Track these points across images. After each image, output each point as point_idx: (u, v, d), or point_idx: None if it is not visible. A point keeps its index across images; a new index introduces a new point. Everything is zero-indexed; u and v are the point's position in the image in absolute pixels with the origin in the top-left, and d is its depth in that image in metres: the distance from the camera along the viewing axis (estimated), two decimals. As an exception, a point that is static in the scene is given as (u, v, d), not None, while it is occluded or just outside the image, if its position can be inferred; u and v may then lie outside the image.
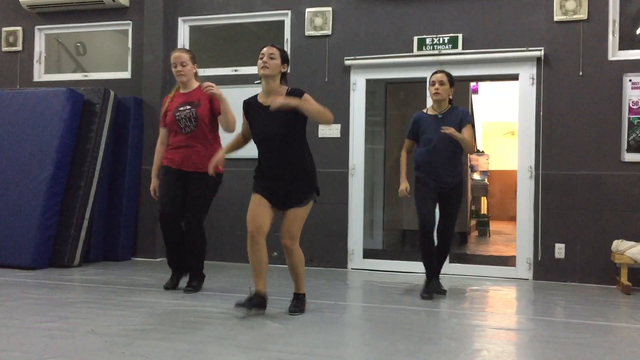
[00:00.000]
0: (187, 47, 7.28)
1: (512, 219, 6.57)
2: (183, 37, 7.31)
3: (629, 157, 5.78)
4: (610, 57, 5.87)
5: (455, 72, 6.37)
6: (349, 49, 6.63)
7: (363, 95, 6.66)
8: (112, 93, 6.87)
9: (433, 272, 5.05)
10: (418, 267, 6.34)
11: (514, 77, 6.29)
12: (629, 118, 5.81)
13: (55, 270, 6.06)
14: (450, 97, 5.04)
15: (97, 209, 6.62)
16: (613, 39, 5.88)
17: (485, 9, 6.24)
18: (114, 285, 5.28)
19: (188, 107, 4.85)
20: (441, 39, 6.36)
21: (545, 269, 5.97)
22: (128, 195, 6.96)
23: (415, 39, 6.42)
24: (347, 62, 6.61)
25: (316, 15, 6.74)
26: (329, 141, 6.65)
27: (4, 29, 7.84)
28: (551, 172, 5.98)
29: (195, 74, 5.01)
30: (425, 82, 6.45)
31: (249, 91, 6.82)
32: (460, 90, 7.85)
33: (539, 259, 6.00)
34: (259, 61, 4.10)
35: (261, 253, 4.04)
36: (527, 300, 5.18)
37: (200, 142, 4.84)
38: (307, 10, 6.76)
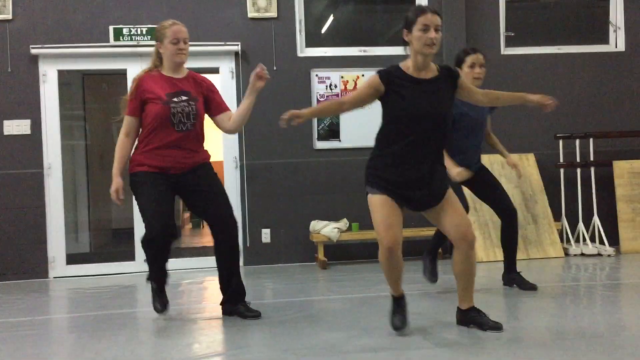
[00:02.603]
0: None
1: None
2: None
3: (320, 144, 6.40)
4: (299, 54, 6.39)
5: (156, 64, 6.27)
6: (36, 37, 5.98)
7: (55, 87, 6.09)
8: None
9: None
10: (129, 267, 6.10)
11: (216, 71, 6.42)
12: (317, 109, 6.40)
13: None
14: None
15: None
16: (300, 37, 6.40)
17: (184, 2, 6.22)
18: None
19: (184, 98, 3.77)
20: (139, 29, 6.15)
21: (254, 254, 6.26)
22: None
23: (111, 28, 6.09)
24: (33, 51, 5.95)
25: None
26: (17, 139, 5.93)
27: None
28: (254, 162, 6.28)
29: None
30: (125, 73, 6.19)
31: None
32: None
33: (248, 245, 6.27)
34: (422, 35, 3.10)
35: (401, 263, 3.29)
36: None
37: (193, 146, 3.84)
38: (-20, -11, 5.90)
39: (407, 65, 3.24)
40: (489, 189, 4.39)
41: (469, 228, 3.24)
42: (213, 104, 3.96)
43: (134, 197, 3.86)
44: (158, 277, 3.94)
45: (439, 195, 3.24)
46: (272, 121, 6.26)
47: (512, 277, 4.51)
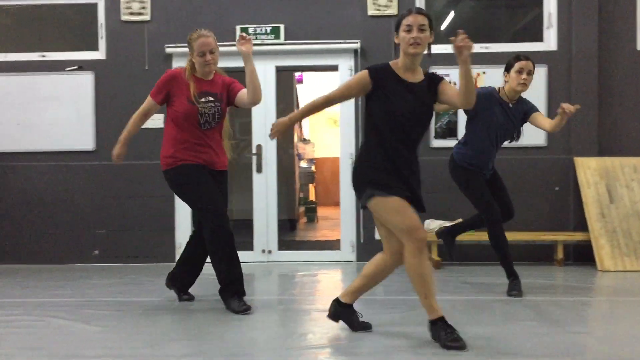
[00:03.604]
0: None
1: (338, 204, 6.83)
2: (-21, 17, 6.54)
3: (436, 143, 6.31)
4: (418, 51, 6.34)
5: (279, 63, 6.51)
6: (170, 36, 6.41)
7: (186, 84, 6.48)
8: None
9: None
10: (248, 256, 6.38)
11: (334, 68, 6.53)
12: (435, 107, 6.33)
13: None
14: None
15: None
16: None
17: (306, 2, 6.39)
18: None
19: (211, 99, 4.09)
20: (263, 28, 6.39)
21: (367, 250, 6.30)
22: None
23: (238, 27, 6.39)
24: (168, 50, 6.38)
25: (133, -1, 6.41)
26: (152, 132, 6.38)
27: None
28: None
29: None
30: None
31: (59, 79, 6.42)
32: (284, 80, 7.99)
33: (361, 241, 6.32)
34: (406, 35, 3.15)
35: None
36: (350, 282, 5.43)
37: (214, 142, 4.18)
38: (123, -7, 6.41)
39: (398, 66, 3.23)
40: (496, 189, 4.58)
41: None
42: (232, 92, 4.16)
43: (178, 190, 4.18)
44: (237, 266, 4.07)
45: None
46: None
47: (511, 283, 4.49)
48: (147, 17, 6.41)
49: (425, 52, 3.21)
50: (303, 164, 11.59)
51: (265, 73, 6.49)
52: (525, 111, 4.50)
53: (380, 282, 3.49)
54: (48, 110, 6.40)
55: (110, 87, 6.43)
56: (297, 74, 10.04)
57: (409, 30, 3.14)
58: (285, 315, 4.03)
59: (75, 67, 6.45)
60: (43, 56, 6.51)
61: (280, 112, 6.46)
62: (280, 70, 6.63)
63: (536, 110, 4.54)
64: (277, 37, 6.39)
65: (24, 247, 6.41)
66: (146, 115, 4.25)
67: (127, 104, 6.38)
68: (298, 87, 10.34)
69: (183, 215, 6.38)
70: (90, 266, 6.25)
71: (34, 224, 6.43)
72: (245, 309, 3.95)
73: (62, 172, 6.43)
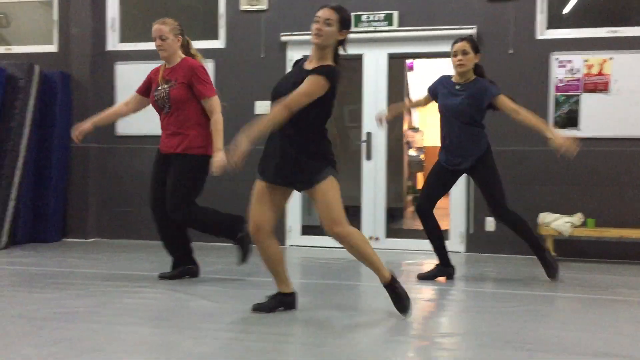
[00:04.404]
0: (116, 20, 7.03)
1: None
2: (113, 9, 7.03)
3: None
4: (538, 36, 6.06)
5: (391, 50, 6.48)
6: (286, 25, 6.56)
7: (299, 71, 6.62)
8: (36, 67, 6.56)
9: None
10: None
11: (449, 55, 6.37)
12: (555, 95, 6.03)
13: (-21, 253, 5.80)
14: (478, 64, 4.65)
15: (23, 189, 6.35)
16: (541, 17, 6.06)
17: (422, -13, 6.29)
18: (42, 267, 5.09)
19: (166, 86, 4.38)
20: (377, 15, 6.38)
21: (477, 241, 6.17)
22: (56, 175, 6.69)
23: (352, 15, 6.40)
24: (283, 38, 6.55)
25: (252, -11, 6.62)
26: (266, 118, 6.60)
27: None
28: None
29: (186, 46, 4.53)
30: (361, 59, 6.50)
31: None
32: (395, 68, 7.92)
33: (471, 232, 6.19)
34: (313, 25, 3.40)
35: None
36: (458, 272, 5.34)
37: (178, 126, 4.35)
38: (242, -16, 6.63)
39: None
40: (478, 184, 4.72)
41: (331, 223, 3.35)
42: (195, 90, 4.34)
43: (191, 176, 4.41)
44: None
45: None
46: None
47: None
48: (264, 7, 6.60)
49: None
50: (412, 152, 11.49)
51: (378, 60, 6.48)
52: (477, 89, 4.51)
53: (359, 255, 3.49)
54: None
55: (228, 74, 6.70)
56: (408, 61, 9.93)
57: (315, 22, 3.40)
58: (392, 304, 4.03)
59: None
60: (168, 45, 6.90)
61: (392, 99, 6.43)
62: (392, 58, 6.59)
63: (496, 93, 4.48)
64: (391, 23, 6.35)
65: (150, 225, 6.85)
66: (127, 104, 4.65)
67: (244, 91, 6.65)
68: (409, 74, 10.23)
69: (293, 200, 6.54)
70: (206, 245, 6.58)
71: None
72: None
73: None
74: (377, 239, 6.49)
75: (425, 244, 6.42)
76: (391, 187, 7.50)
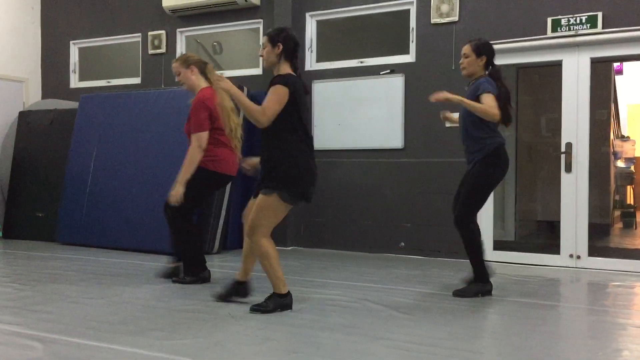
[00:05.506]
0: (314, 41, 7.47)
1: (661, 209, 6.03)
2: (310, 31, 7.50)
3: None
4: None
5: (595, 53, 6.02)
6: (477, 35, 6.40)
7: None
8: (245, 88, 7.23)
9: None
10: (553, 259, 6.07)
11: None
12: None
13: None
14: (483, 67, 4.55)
15: (233, 201, 7.01)
16: None
17: None
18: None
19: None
20: (578, 18, 5.97)
21: None
22: (261, 187, 7.27)
23: (549, 20, 6.09)
24: (468, 49, 6.42)
25: (442, 2, 6.61)
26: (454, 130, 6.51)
27: (150, 33, 8.49)
28: None
29: (203, 70, 4.81)
30: (560, 65, 6.13)
31: (374, 82, 6.99)
32: (602, 72, 7.34)
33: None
34: None
35: None
36: (678, 298, 4.77)
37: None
38: (433, -3, 6.66)
39: None
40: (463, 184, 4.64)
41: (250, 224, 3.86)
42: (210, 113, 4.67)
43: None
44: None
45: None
46: None
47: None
48: (455, 18, 6.55)
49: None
50: (620, 164, 10.51)
51: (579, 66, 6.07)
52: (473, 88, 4.47)
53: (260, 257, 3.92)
54: (363, 111, 7.02)
55: (418, 88, 6.75)
56: (616, 64, 9.14)
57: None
58: (597, 328, 3.74)
59: (388, 71, 6.94)
60: (361, 62, 7.17)
61: (596, 106, 5.96)
62: (595, 62, 6.12)
63: (481, 91, 4.37)
64: (594, 26, 5.90)
65: (341, 234, 7.16)
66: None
67: (432, 104, 6.63)
68: (617, 78, 9.40)
69: (485, 215, 6.37)
70: (395, 257, 6.67)
71: (350, 214, 7.13)
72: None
73: (375, 167, 6.99)
74: (578, 257, 6.04)
75: (637, 265, 5.85)
76: (595, 202, 6.95)
